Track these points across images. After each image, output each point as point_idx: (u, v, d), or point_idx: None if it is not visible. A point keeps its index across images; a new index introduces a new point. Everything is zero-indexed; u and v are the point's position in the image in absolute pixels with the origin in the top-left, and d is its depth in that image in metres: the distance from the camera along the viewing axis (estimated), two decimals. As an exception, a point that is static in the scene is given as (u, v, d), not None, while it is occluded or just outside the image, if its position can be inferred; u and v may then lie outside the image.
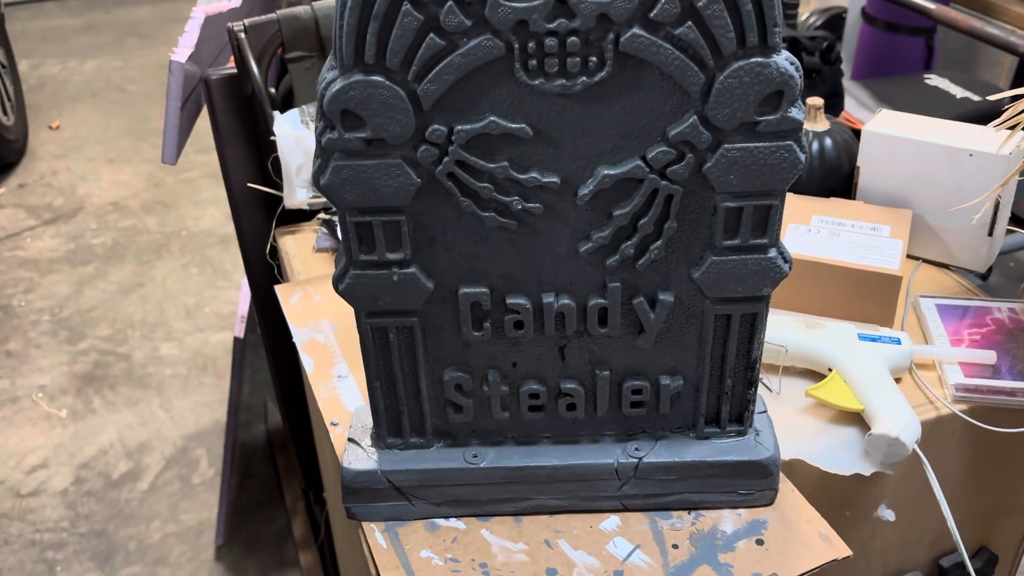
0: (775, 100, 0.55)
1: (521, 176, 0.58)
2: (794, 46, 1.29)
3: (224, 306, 2.37)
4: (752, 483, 0.68)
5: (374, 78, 0.53)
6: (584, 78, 0.54)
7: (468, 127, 0.55)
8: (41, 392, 2.10)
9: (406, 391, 0.67)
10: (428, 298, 0.63)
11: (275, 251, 1.09)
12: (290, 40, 1.05)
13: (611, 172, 0.57)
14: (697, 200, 0.59)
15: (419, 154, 0.56)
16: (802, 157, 0.57)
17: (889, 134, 0.93)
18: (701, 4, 0.51)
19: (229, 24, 1.02)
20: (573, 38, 0.52)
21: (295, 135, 1.00)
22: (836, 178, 0.99)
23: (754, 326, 0.64)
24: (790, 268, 0.62)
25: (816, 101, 0.99)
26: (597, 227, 0.60)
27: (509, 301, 0.63)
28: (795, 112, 0.56)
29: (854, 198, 0.99)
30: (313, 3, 1.06)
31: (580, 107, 0.55)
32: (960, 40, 2.35)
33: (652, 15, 0.52)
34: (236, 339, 1.53)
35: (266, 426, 1.94)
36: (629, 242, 0.60)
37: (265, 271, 1.12)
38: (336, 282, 0.62)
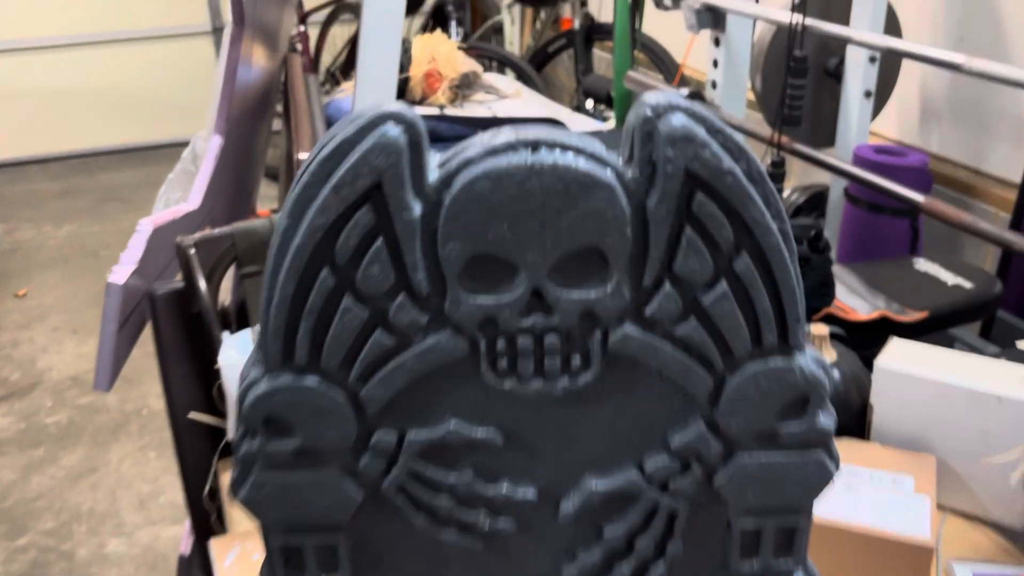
0: (799, 405, 0.45)
1: (488, 489, 0.47)
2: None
3: (180, 495, 2.20)
4: None
5: (306, 381, 0.43)
6: (566, 381, 0.44)
7: (423, 434, 0.45)
8: (-31, 597, 1.90)
9: None
10: (374, 627, 0.50)
11: (215, 492, 0.97)
12: (245, 255, 0.96)
13: (600, 485, 0.47)
14: (707, 515, 0.48)
15: (361, 465, 0.46)
16: (832, 468, 0.47)
17: (904, 373, 0.84)
18: (708, 301, 0.42)
19: (178, 239, 0.94)
20: (552, 337, 0.43)
21: (243, 362, 0.89)
22: (847, 415, 0.89)
23: (778, 660, 0.52)
24: (820, 591, 0.51)
25: (821, 330, 0.90)
26: (584, 545, 0.49)
27: (474, 631, 0.51)
28: (824, 419, 0.46)
29: (868, 438, 0.89)
30: (273, 215, 0.98)
31: (561, 410, 0.45)
32: (943, 225, 2.31)
33: (648, 312, 0.42)
34: (181, 557, 1.37)
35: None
36: (623, 562, 0.49)
37: (207, 511, 0.99)
38: (259, 608, 0.50)
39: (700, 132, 0.39)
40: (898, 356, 0.87)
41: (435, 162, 0.41)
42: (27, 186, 4.34)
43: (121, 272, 0.90)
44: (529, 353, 0.43)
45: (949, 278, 1.65)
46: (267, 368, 0.44)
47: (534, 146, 0.40)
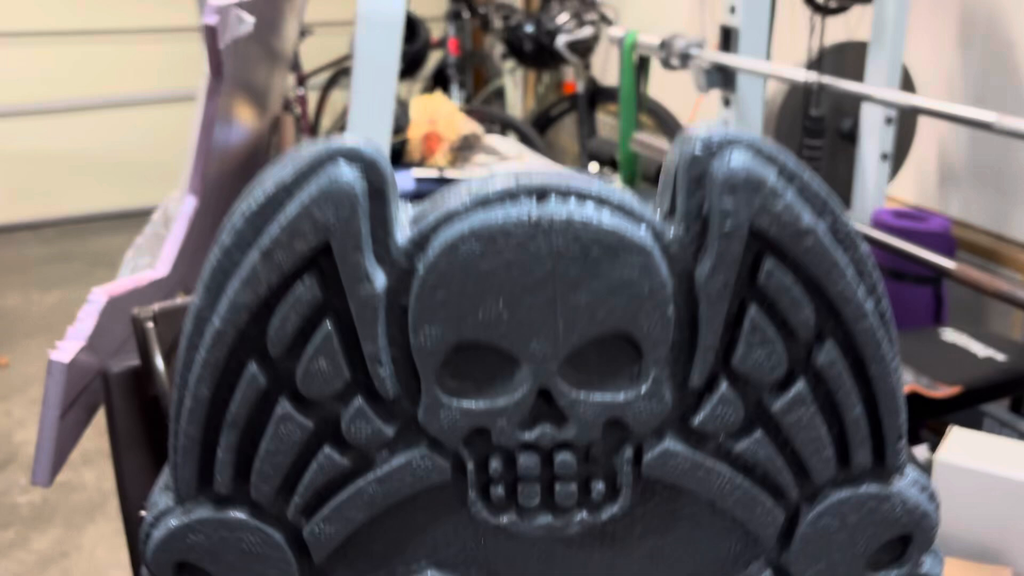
0: (898, 546, 0.33)
1: (479, 657, 0.35)
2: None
3: (157, 581, 2.05)
4: None
5: (230, 515, 0.32)
6: (584, 514, 0.32)
7: (390, 586, 0.33)
8: None
9: None
10: None
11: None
12: (210, 329, 0.85)
13: (629, 652, 0.35)
14: None
15: (308, 627, 0.34)
16: (941, 628, 0.35)
17: (969, 468, 0.72)
18: (779, 408, 0.31)
19: (134, 311, 0.83)
20: (565, 455, 0.31)
21: (204, 453, 0.77)
22: (902, 516, 0.77)
23: None
24: None
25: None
26: None
27: None
28: (931, 565, 0.34)
29: (927, 543, 0.76)
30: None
31: (577, 554, 0.34)
32: (968, 292, 2.21)
33: (696, 422, 0.31)
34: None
35: None
36: None
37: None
38: None
39: (769, 176, 0.28)
40: (959, 448, 0.75)
41: (406, 217, 0.30)
42: (16, 251, 4.25)
43: (67, 348, 0.79)
44: (534, 478, 0.32)
45: (980, 349, 1.54)
46: (179, 497, 0.32)
47: (540, 194, 0.29)
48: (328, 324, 0.29)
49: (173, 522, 0.32)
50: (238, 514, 0.32)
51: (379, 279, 0.29)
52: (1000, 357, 1.53)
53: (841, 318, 0.30)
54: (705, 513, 0.33)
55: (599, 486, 0.32)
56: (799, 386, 0.30)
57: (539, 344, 0.29)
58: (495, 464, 0.31)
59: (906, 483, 0.32)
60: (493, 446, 0.31)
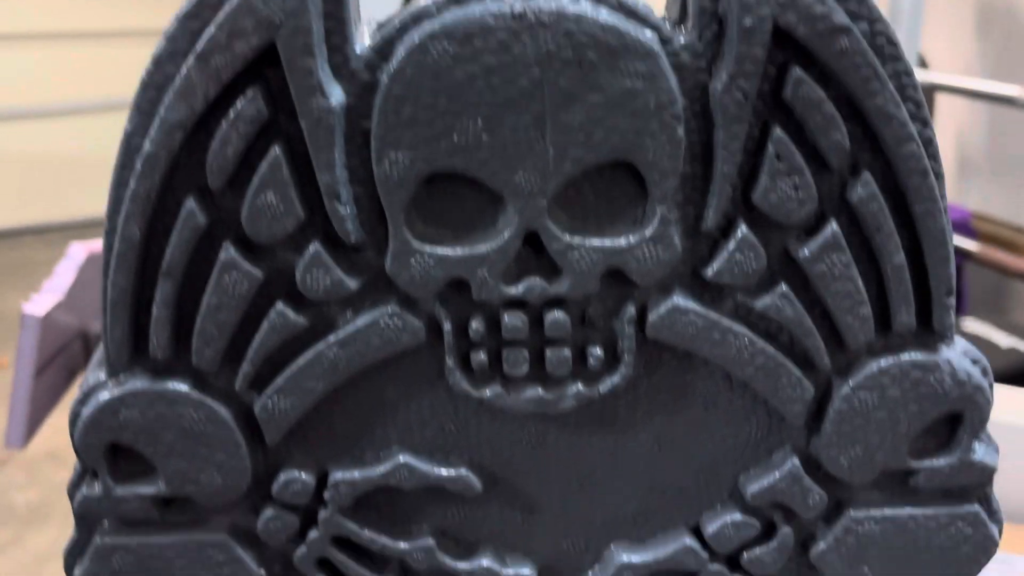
0: (944, 429, 0.29)
1: (460, 566, 0.30)
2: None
3: (155, 580, 2.00)
4: None
5: (169, 386, 0.27)
6: (579, 386, 0.28)
7: (356, 475, 0.29)
8: None
9: None
10: None
11: None
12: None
13: (636, 559, 0.30)
14: (796, 605, 0.31)
15: (261, 526, 0.29)
16: (996, 533, 0.31)
17: (1013, 424, 0.67)
18: (807, 255, 0.26)
19: (115, 265, 0.78)
20: (557, 314, 0.27)
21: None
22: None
23: None
24: None
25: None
26: (607, 652, 0.32)
27: None
28: (983, 451, 0.29)
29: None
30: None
31: (572, 436, 0.29)
32: (988, 280, 2.15)
33: (710, 273, 0.26)
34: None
35: None
36: (669, 678, 0.32)
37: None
38: None
39: (797, -36, 0.24)
40: (1002, 406, 0.70)
41: (369, 26, 0.26)
42: (23, 253, 4.23)
43: (41, 301, 0.75)
44: (521, 341, 0.27)
45: (1002, 339, 1.51)
46: (112, 369, 0.28)
47: (526, -13, 0.24)
48: (277, 149, 0.25)
49: (103, 396, 0.27)
50: (178, 385, 0.27)
51: (335, 93, 0.25)
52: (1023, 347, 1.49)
53: (881, 142, 0.25)
54: (721, 389, 0.28)
55: (596, 351, 0.27)
56: (831, 228, 0.26)
57: (525, 175, 0.25)
58: (476, 325, 0.27)
59: (955, 352, 0.28)
60: (474, 304, 0.27)
